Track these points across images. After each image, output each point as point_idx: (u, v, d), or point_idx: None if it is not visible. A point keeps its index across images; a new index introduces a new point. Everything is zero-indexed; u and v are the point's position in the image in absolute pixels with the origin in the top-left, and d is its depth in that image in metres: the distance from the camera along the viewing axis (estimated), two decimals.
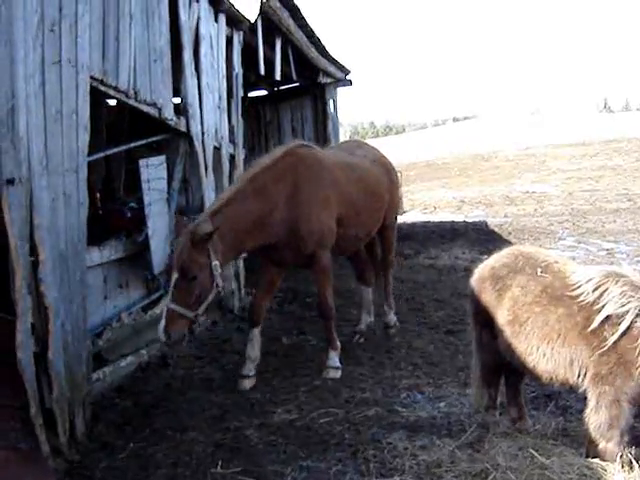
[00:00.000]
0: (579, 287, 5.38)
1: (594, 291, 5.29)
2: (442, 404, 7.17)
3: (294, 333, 10.36)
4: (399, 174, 35.43)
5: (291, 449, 6.24)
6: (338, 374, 8.17)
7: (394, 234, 10.55)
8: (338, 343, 8.47)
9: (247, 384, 8.01)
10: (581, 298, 5.34)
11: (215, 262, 7.14)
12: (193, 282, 6.96)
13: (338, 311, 10.11)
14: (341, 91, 21.67)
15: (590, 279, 5.36)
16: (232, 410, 7.26)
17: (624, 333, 5.13)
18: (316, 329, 9.87)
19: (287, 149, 8.34)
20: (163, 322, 6.85)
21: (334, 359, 8.34)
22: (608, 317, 5.19)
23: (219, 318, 11.06)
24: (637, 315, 5.12)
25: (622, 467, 5.10)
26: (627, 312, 5.13)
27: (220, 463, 5.98)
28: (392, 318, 10.19)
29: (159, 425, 7.00)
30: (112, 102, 14.26)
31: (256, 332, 8.39)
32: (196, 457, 6.19)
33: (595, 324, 5.22)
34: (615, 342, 5.14)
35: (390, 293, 10.39)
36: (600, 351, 5.18)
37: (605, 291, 5.25)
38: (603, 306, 5.21)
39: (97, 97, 8.63)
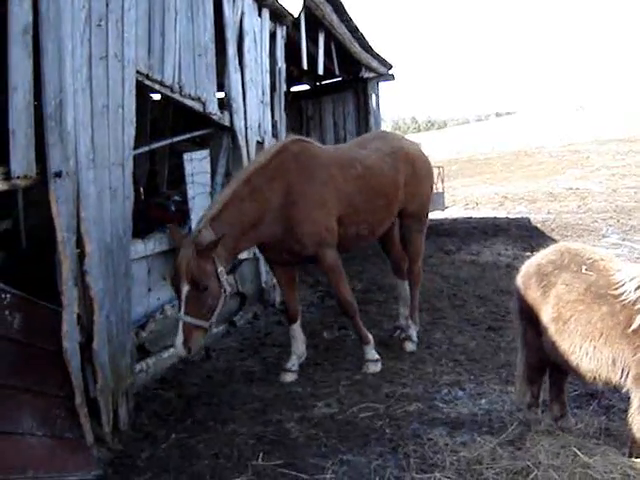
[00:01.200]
0: (622, 285, 5.31)
1: (636, 290, 5.21)
2: (483, 401, 7.14)
3: (335, 327, 10.37)
4: (440, 169, 35.07)
5: (331, 443, 6.27)
6: (378, 367, 8.13)
7: (421, 238, 9.59)
8: (370, 336, 8.37)
9: (289, 377, 8.05)
10: (623, 297, 5.27)
11: (220, 268, 7.02)
12: (205, 292, 6.82)
13: (380, 306, 10.14)
14: (384, 86, 21.58)
15: (633, 278, 5.29)
16: (273, 403, 7.30)
17: None
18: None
19: (281, 146, 8.06)
20: (180, 336, 6.65)
21: (371, 352, 8.27)
22: None
23: (260, 312, 11.13)
24: None
25: None
26: None
27: (261, 455, 6.03)
28: (413, 333, 9.31)
29: (201, 416, 7.08)
30: (156, 97, 14.40)
31: (295, 327, 8.42)
32: (237, 449, 6.24)
33: (636, 324, 5.14)
34: None
35: (415, 308, 9.59)
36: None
37: None
38: None
39: (142, 91, 8.74)
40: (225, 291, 7.09)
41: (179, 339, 6.63)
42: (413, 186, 9.17)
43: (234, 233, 7.32)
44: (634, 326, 5.14)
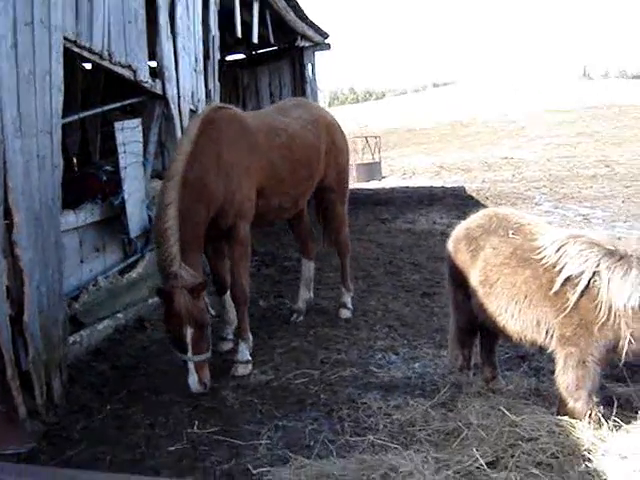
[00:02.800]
0: (544, 249, 5.44)
1: (555, 253, 5.34)
2: (417, 365, 7.27)
3: (271, 296, 10.40)
4: (377, 139, 35.15)
5: (267, 409, 6.33)
6: (248, 369, 7.39)
7: (344, 208, 9.41)
8: (250, 335, 7.74)
9: (224, 346, 8.07)
10: (545, 260, 5.40)
11: (206, 299, 6.97)
12: (204, 329, 6.71)
13: (319, 274, 10.17)
14: (321, 56, 21.55)
15: (553, 241, 5.41)
16: (209, 372, 7.31)
17: (583, 293, 5.18)
18: (293, 293, 9.90)
19: (203, 117, 7.46)
20: (195, 377, 6.54)
21: (244, 352, 7.53)
22: (568, 278, 5.24)
23: None
24: (594, 273, 5.15)
25: (591, 425, 5.19)
26: (583, 272, 5.18)
27: (196, 423, 6.05)
28: (348, 300, 9.34)
29: (136, 387, 7.05)
30: (88, 66, 14.11)
31: (226, 297, 8.28)
32: (173, 418, 6.26)
33: (556, 286, 5.28)
34: (577, 303, 5.19)
35: (347, 276, 9.50)
36: (562, 312, 5.26)
37: (564, 253, 5.31)
38: (562, 268, 5.27)
39: (72, 60, 8.56)
40: (212, 316, 7.19)
41: (194, 379, 6.54)
42: (333, 156, 9.00)
43: (199, 252, 7.26)
44: (555, 288, 5.27)
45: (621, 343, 5.13)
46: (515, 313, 5.53)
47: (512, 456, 4.82)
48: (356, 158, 32.44)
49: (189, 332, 6.53)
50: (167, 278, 6.62)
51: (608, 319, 5.09)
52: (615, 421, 5.22)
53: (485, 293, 5.75)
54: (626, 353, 5.19)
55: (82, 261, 8.54)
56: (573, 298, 5.19)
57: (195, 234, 7.01)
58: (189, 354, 6.55)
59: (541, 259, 5.40)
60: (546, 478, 4.56)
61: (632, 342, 5.10)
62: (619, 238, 12.84)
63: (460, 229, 6.25)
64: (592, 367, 5.23)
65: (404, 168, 36.21)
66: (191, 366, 6.55)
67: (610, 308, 5.07)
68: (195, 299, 6.56)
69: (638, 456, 4.82)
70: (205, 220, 7.14)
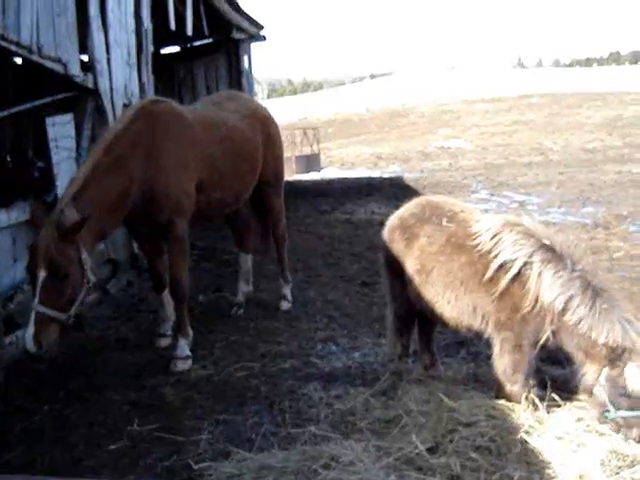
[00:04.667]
0: (479, 236, 5.52)
1: (491, 240, 5.43)
2: (357, 354, 7.32)
3: (210, 290, 10.36)
4: (315, 131, 35.21)
5: (207, 404, 6.29)
6: (187, 365, 7.24)
7: (280, 201, 9.48)
8: (189, 330, 7.59)
9: (163, 342, 7.98)
10: (480, 247, 5.48)
11: (85, 255, 6.28)
12: (65, 281, 6.04)
13: (256, 267, 10.16)
14: (258, 48, 21.48)
15: (489, 228, 5.50)
16: (148, 369, 7.24)
17: (514, 280, 5.28)
18: (233, 286, 9.86)
19: (140, 107, 7.38)
20: (32, 329, 5.81)
21: (183, 348, 7.38)
22: (502, 265, 5.34)
23: (134, 278, 10.96)
24: (526, 263, 5.26)
25: (527, 407, 5.30)
26: (516, 259, 5.28)
27: (137, 421, 5.96)
28: (287, 292, 9.39)
29: (74, 386, 6.94)
30: (19, 61, 13.80)
31: (164, 294, 8.13)
32: (112, 416, 6.17)
33: (490, 272, 5.37)
34: (509, 289, 5.30)
35: (285, 267, 9.53)
36: (496, 298, 5.36)
37: (500, 240, 5.40)
38: (498, 254, 5.37)
39: (3, 54, 8.36)
40: (89, 282, 6.37)
41: (30, 332, 5.82)
42: (269, 149, 9.00)
43: (100, 213, 6.56)
44: (488, 274, 5.37)
45: (541, 335, 5.27)
46: (452, 299, 5.60)
47: (451, 441, 4.88)
48: (295, 150, 32.45)
49: (42, 275, 5.91)
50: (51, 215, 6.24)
51: (534, 308, 5.22)
52: (551, 403, 5.34)
53: (422, 281, 5.81)
54: (544, 345, 5.33)
55: (15, 260, 8.36)
56: (503, 283, 5.29)
57: (99, 197, 6.56)
58: (35, 301, 5.90)
59: (476, 245, 5.48)
60: (485, 462, 4.63)
61: (551, 338, 5.26)
62: (554, 224, 13.19)
63: (394, 218, 6.30)
64: (527, 351, 5.34)
65: (343, 159, 36.39)
66: (32, 316, 5.86)
67: (537, 299, 5.20)
68: (64, 242, 6.04)
69: (573, 436, 4.95)
70: (119, 195, 6.79)
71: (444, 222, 5.77)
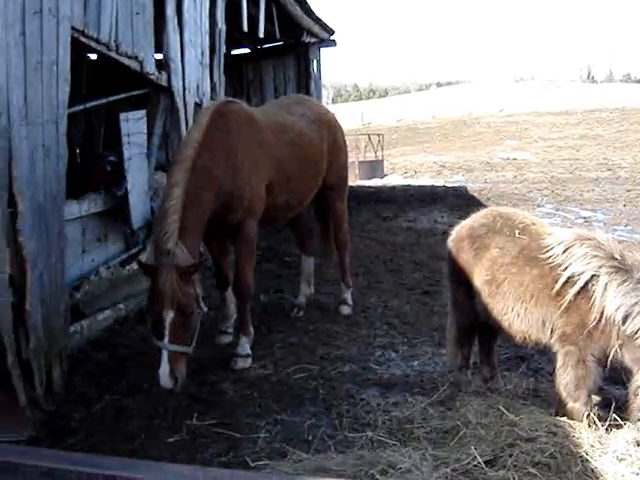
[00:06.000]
0: (551, 249, 5.46)
1: (563, 253, 5.37)
2: (416, 363, 7.29)
3: (271, 291, 10.41)
4: (380, 137, 35.15)
5: (266, 403, 6.34)
6: (247, 363, 7.35)
7: (343, 205, 9.50)
8: (252, 330, 7.70)
9: (224, 339, 8.07)
10: (551, 260, 5.42)
11: (199, 289, 6.62)
12: (190, 318, 6.32)
13: (317, 271, 10.20)
14: (325, 52, 21.50)
15: (561, 241, 5.44)
16: (209, 364, 7.32)
17: (581, 293, 5.22)
18: (293, 287, 9.92)
19: (213, 110, 7.39)
20: (166, 367, 6.03)
21: (244, 346, 7.48)
22: (570, 278, 5.28)
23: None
24: (593, 276, 5.19)
25: (589, 426, 5.21)
26: (584, 272, 5.22)
27: (196, 415, 6.05)
28: (348, 297, 9.40)
29: (135, 378, 7.04)
30: (93, 57, 14.09)
31: (228, 293, 8.24)
32: (172, 409, 6.25)
33: (558, 285, 5.31)
34: (576, 303, 5.24)
35: (347, 272, 9.56)
36: (564, 311, 5.29)
37: (571, 253, 5.33)
38: (567, 267, 5.30)
39: (78, 50, 8.55)
40: (202, 311, 6.70)
41: (164, 370, 6.03)
42: (334, 155, 9.05)
43: (198, 239, 6.89)
44: (557, 287, 5.30)
45: (609, 351, 5.17)
46: (521, 312, 5.54)
47: (510, 455, 4.81)
48: (359, 155, 32.45)
49: (169, 316, 6.12)
50: (160, 255, 6.32)
51: (599, 323, 5.14)
52: (612, 423, 5.24)
53: (491, 292, 5.75)
54: (612, 361, 5.24)
55: (84, 251, 8.55)
56: (569, 295, 5.24)
57: (198, 219, 6.78)
58: (165, 341, 6.11)
59: (548, 258, 5.42)
60: (543, 478, 4.57)
61: (618, 353, 5.16)
62: (620, 242, 12.92)
63: (462, 228, 6.25)
64: (592, 367, 5.26)
65: (406, 166, 36.27)
66: (165, 355, 6.07)
67: (602, 313, 5.13)
68: (184, 282, 6.22)
69: (635, 458, 4.84)
70: (209, 208, 6.94)
71: (517, 234, 5.72)
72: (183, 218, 6.49)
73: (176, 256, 6.27)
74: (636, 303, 5.00)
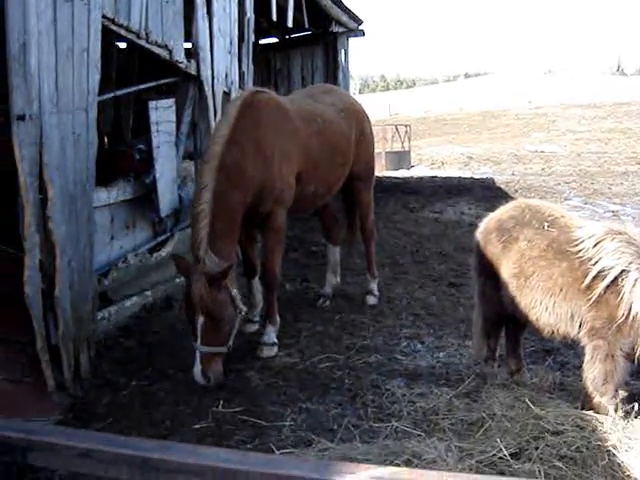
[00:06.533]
0: (581, 242, 5.41)
1: (593, 247, 5.33)
2: (441, 354, 7.28)
3: (298, 280, 10.44)
4: (407, 128, 35.01)
5: (291, 391, 6.38)
6: (273, 352, 7.41)
7: (370, 195, 9.51)
8: (278, 319, 7.74)
9: (250, 328, 8.10)
10: (581, 253, 5.38)
11: (234, 291, 6.72)
12: (221, 322, 6.50)
13: (345, 260, 10.20)
14: (353, 43, 21.41)
15: (592, 235, 5.39)
16: (234, 352, 7.33)
17: (611, 288, 5.18)
18: (319, 277, 9.93)
19: (242, 101, 7.35)
20: (199, 367, 6.34)
21: (270, 335, 7.54)
22: (600, 272, 5.23)
23: None
24: (623, 271, 5.15)
25: (615, 420, 5.18)
26: (613, 267, 5.18)
27: (221, 403, 6.10)
28: (374, 287, 9.39)
29: (162, 365, 7.11)
30: (122, 45, 14.17)
31: (254, 281, 8.31)
32: (198, 396, 6.31)
33: (588, 279, 5.27)
34: (605, 297, 5.20)
35: (373, 262, 9.55)
36: (593, 305, 5.25)
37: (602, 247, 5.29)
38: (597, 262, 5.26)
39: (108, 38, 8.60)
40: (241, 312, 6.88)
41: (197, 369, 6.35)
42: (362, 145, 9.07)
43: (232, 240, 6.94)
44: (587, 281, 5.26)
45: (637, 346, 5.15)
46: (550, 306, 5.50)
47: (536, 448, 4.80)
48: (385, 146, 32.36)
49: (200, 320, 6.38)
50: (194, 261, 6.53)
51: (627, 318, 5.10)
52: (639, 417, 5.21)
53: (519, 285, 5.71)
54: (635, 359, 5.22)
55: (112, 238, 8.61)
56: (598, 291, 5.20)
57: (230, 220, 6.82)
58: (198, 343, 6.40)
59: (578, 252, 5.38)
60: (569, 471, 4.55)
61: None
62: None
63: (490, 220, 6.21)
64: (620, 362, 5.23)
65: (433, 158, 36.11)
66: (197, 355, 6.39)
67: (630, 309, 5.10)
68: (213, 288, 6.37)
69: None
70: (242, 206, 6.98)
71: (546, 226, 5.67)
72: (215, 222, 6.57)
73: (205, 264, 6.43)
74: None
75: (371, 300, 9.17)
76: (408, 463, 4.67)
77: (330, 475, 1.77)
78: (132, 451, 1.92)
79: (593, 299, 5.22)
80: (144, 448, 1.98)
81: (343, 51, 20.54)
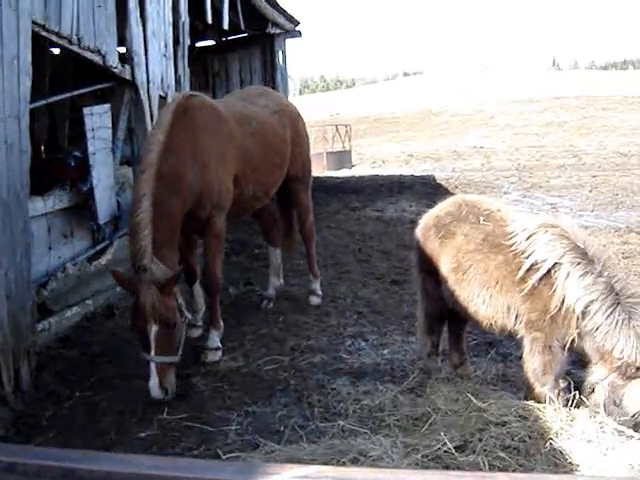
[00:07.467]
0: (515, 236, 5.51)
1: (526, 240, 5.42)
2: (386, 351, 7.32)
3: (241, 283, 10.40)
4: (347, 128, 35.17)
5: (237, 395, 6.35)
6: (217, 356, 7.37)
7: (308, 196, 9.47)
8: (222, 323, 7.69)
9: (194, 333, 8.03)
10: (515, 247, 5.47)
11: (180, 299, 6.71)
12: (174, 329, 6.40)
13: (288, 262, 10.20)
14: (292, 44, 21.45)
15: (525, 228, 5.49)
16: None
17: (544, 280, 5.28)
18: (263, 280, 9.91)
19: (175, 107, 7.22)
20: (155, 379, 6.14)
21: (214, 339, 7.50)
22: (534, 265, 5.33)
23: None
24: (556, 264, 5.25)
25: (557, 409, 5.27)
26: (546, 260, 5.27)
27: (166, 410, 6.04)
28: (316, 287, 9.41)
29: (105, 374, 7.03)
30: (56, 51, 13.95)
31: (195, 286, 8.25)
32: (142, 405, 6.24)
33: (522, 271, 5.37)
34: (539, 290, 5.30)
35: (314, 263, 9.55)
36: (527, 297, 5.35)
37: (535, 240, 5.39)
38: (530, 254, 5.36)
39: (40, 44, 8.45)
40: (186, 319, 6.83)
41: (154, 381, 6.14)
42: (297, 145, 9.05)
43: (174, 247, 6.84)
44: (520, 274, 5.35)
45: (567, 338, 5.26)
46: (487, 299, 5.58)
47: (480, 440, 4.87)
48: (326, 146, 32.45)
49: (153, 330, 6.23)
50: (137, 271, 6.36)
51: (561, 310, 5.21)
52: (580, 406, 5.31)
53: (457, 279, 5.78)
54: (570, 348, 5.34)
55: (50, 248, 8.47)
56: (531, 283, 5.30)
57: (170, 227, 6.74)
58: (152, 353, 6.22)
59: (512, 245, 5.47)
60: (513, 461, 4.62)
61: (575, 341, 5.26)
62: (587, 228, 13.08)
63: (429, 217, 6.27)
64: (558, 352, 5.33)
65: (374, 156, 36.35)
66: (153, 367, 6.19)
67: (563, 301, 5.20)
68: (164, 295, 6.29)
69: (603, 439, 4.91)
70: (181, 213, 6.90)
71: (481, 220, 5.75)
72: (155, 231, 6.45)
73: (152, 272, 6.31)
74: (595, 300, 5.08)
75: (314, 300, 9.19)
76: (354, 461, 4.69)
77: (254, 477, 1.77)
78: (57, 462, 1.90)
79: (526, 291, 5.32)
80: (70, 459, 1.96)
81: (280, 52, 20.57)
